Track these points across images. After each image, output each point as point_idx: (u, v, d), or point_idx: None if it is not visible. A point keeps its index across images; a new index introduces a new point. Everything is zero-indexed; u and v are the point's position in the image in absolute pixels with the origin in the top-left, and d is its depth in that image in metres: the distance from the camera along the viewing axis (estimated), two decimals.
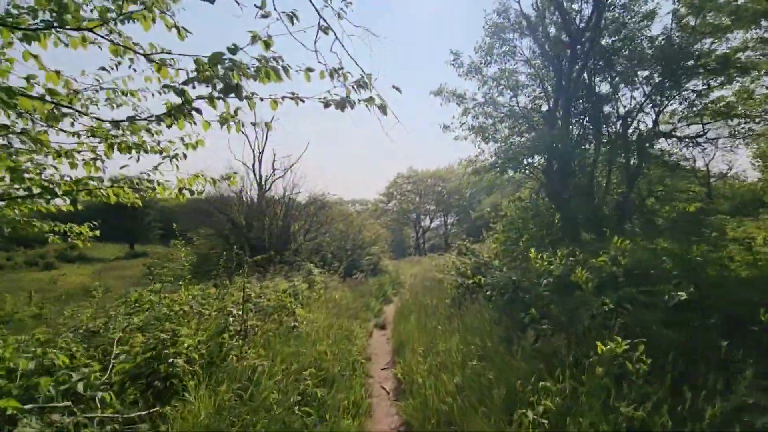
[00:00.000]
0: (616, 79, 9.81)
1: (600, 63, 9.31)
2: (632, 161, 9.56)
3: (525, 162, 10.25)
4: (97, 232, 4.60)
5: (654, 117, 9.72)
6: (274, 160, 17.91)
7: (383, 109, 2.91)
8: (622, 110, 9.98)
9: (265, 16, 2.69)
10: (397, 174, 56.42)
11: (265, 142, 18.02)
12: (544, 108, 10.78)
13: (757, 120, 9.76)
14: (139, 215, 58.16)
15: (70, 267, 35.80)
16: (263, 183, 18.10)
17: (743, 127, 10.17)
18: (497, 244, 10.58)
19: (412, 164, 66.80)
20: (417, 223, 55.94)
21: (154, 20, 3.02)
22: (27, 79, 2.87)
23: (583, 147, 9.75)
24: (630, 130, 9.77)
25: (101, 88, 3.49)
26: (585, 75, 9.49)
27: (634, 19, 9.59)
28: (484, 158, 11.45)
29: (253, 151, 18.27)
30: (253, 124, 3.35)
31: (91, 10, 2.98)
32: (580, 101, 9.83)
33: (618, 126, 9.92)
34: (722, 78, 9.03)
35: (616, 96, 10.01)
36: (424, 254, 43.16)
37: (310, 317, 7.44)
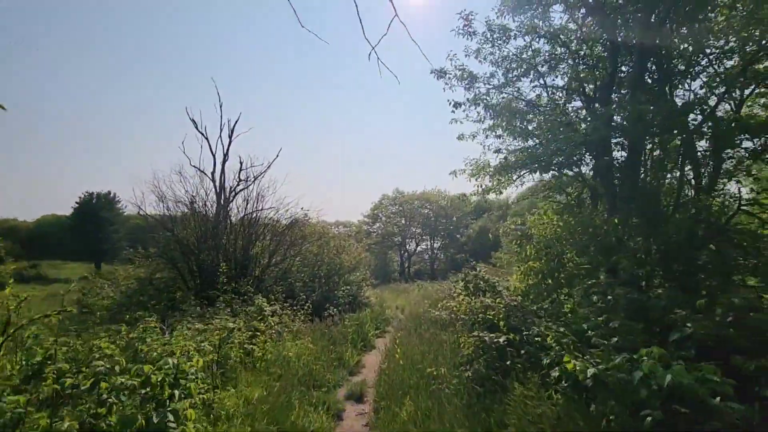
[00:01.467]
0: None
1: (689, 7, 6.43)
2: None
3: (572, 157, 7.26)
4: None
5: None
6: (240, 169, 14.79)
7: None
8: None
9: None
10: (383, 195, 53.64)
11: (228, 145, 14.94)
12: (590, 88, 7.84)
13: None
14: (106, 233, 53.54)
15: (23, 287, 31.19)
16: (225, 195, 14.89)
17: None
18: (525, 277, 7.45)
19: (398, 186, 64.25)
20: (402, 247, 52.85)
21: None
22: None
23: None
24: None
25: None
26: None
27: None
28: (500, 157, 8.42)
29: (214, 156, 15.14)
30: None
31: None
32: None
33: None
34: None
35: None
36: (410, 280, 39.94)
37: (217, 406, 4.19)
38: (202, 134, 15.28)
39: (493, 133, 8.63)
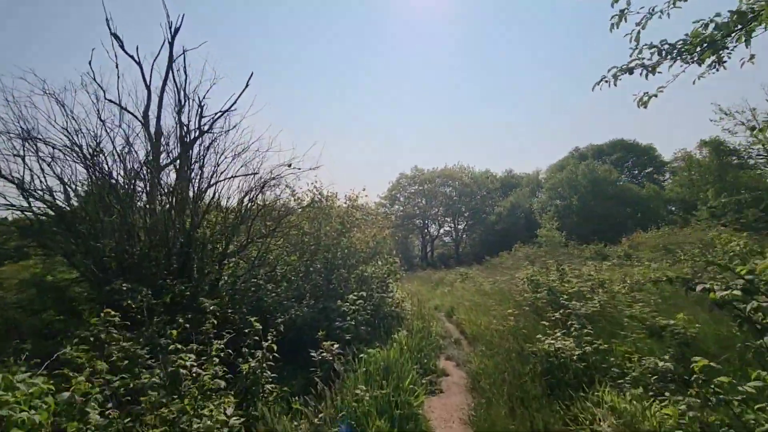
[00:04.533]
0: None
1: None
2: None
3: None
4: None
5: None
6: (201, 113, 9.04)
7: None
8: None
9: None
10: (400, 174, 47.50)
11: (170, 65, 9.15)
12: None
13: None
14: None
15: None
16: (167, 150, 9.19)
17: None
18: None
19: (416, 163, 57.85)
20: (423, 230, 46.88)
21: None
22: None
23: None
24: None
25: None
26: None
27: None
28: None
29: (149, 89, 9.45)
30: None
31: None
32: None
33: None
34: None
35: None
36: (434, 266, 34.01)
37: None
38: (132, 57, 9.56)
39: None
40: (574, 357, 5.01)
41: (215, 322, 4.49)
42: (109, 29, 9.29)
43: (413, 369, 5.35)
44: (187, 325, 4.74)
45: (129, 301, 5.63)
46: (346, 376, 4.60)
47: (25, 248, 9.11)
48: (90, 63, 8.75)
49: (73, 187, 7.28)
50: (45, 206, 7.11)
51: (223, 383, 3.69)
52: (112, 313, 4.13)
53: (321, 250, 7.71)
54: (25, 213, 7.46)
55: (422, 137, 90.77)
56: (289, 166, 8.90)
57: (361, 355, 5.22)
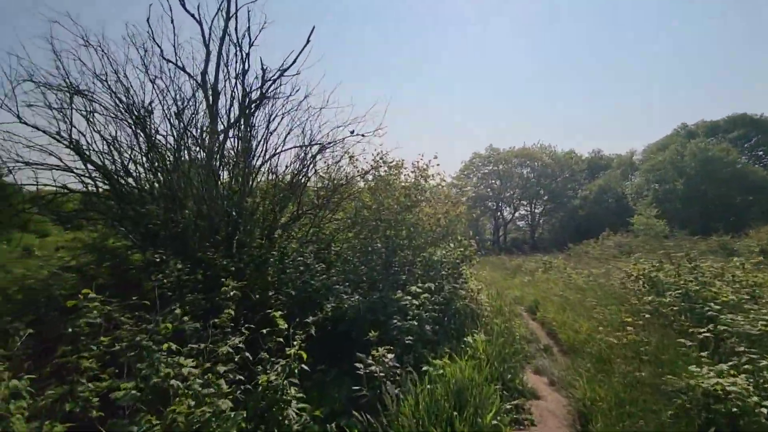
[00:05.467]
0: None
1: None
2: None
3: None
4: None
5: None
6: (263, 76, 8.16)
7: None
8: None
9: None
10: (474, 154, 44.66)
11: (229, 19, 8.32)
12: None
13: None
14: None
15: None
16: (224, 113, 8.43)
17: None
18: None
19: (491, 143, 54.10)
20: (496, 212, 43.88)
21: None
22: None
23: None
24: None
25: None
26: None
27: None
28: None
29: (207, 48, 8.70)
30: None
31: None
32: None
33: None
34: None
35: None
36: (510, 252, 31.40)
37: None
38: (192, 16, 8.84)
39: None
40: (754, 405, 3.19)
41: (232, 312, 3.39)
42: None
43: (496, 392, 3.87)
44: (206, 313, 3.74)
45: (158, 276, 4.84)
46: (402, 402, 3.28)
47: (82, 215, 8.99)
48: (148, 20, 8.11)
49: (120, 149, 6.70)
50: (94, 169, 6.63)
51: (227, 404, 2.56)
52: (90, 294, 3.17)
53: (382, 226, 6.41)
54: (82, 178, 7.08)
55: (493, 117, 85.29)
56: (352, 133, 7.67)
57: (425, 368, 3.85)
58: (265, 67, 8.32)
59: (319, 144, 7.48)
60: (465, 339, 5.16)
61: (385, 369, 3.41)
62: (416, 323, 4.32)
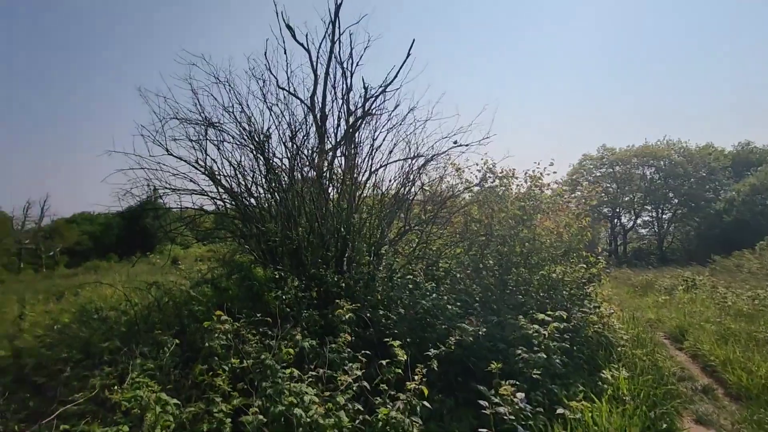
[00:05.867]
0: None
1: None
2: None
3: None
4: None
5: None
6: (365, 94, 8.45)
7: None
8: None
9: None
10: (583, 156, 40.65)
11: (335, 38, 8.71)
12: None
13: None
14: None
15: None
16: (331, 133, 8.79)
17: None
18: None
19: (604, 142, 48.62)
20: (613, 220, 39.12)
21: None
22: None
23: None
24: None
25: None
26: None
27: None
28: None
29: (315, 73, 9.18)
30: None
31: None
32: None
33: None
34: None
35: None
36: (633, 265, 27.52)
37: None
38: (302, 45, 9.46)
39: None
40: None
41: (349, 336, 3.30)
42: (283, 21, 9.29)
43: None
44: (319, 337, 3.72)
45: (278, 292, 5.08)
46: None
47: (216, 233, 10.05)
48: (265, 54, 8.83)
49: (244, 172, 7.34)
50: (224, 191, 7.37)
51: None
52: (223, 316, 3.33)
53: (494, 242, 5.92)
54: (215, 200, 7.92)
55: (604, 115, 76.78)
56: (455, 143, 7.36)
57: (560, 411, 3.31)
58: (366, 85, 8.52)
59: (424, 156, 7.34)
60: (600, 374, 4.41)
61: (514, 410, 2.98)
62: (545, 356, 3.77)
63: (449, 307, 4.99)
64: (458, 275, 5.95)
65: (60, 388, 3.75)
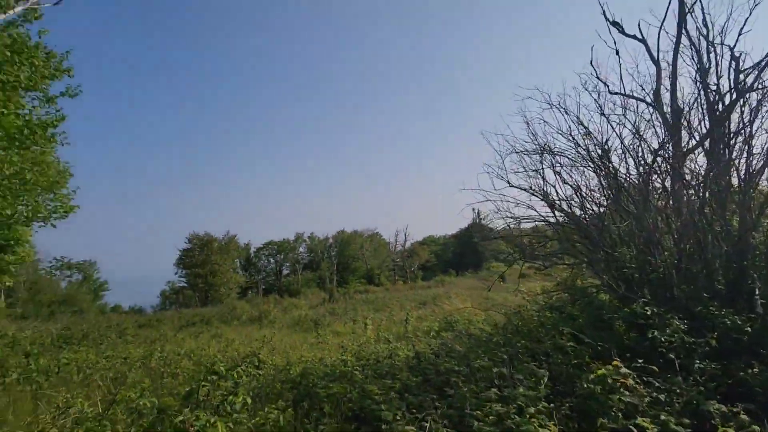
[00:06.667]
0: None
1: None
2: None
3: None
4: None
5: None
6: (736, 66, 6.48)
7: None
8: None
9: None
10: None
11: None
12: None
13: None
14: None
15: None
16: (690, 129, 6.96)
17: None
18: None
19: None
20: None
21: None
22: None
23: None
24: None
25: None
26: None
27: None
28: None
29: (656, 62, 7.77)
30: None
31: None
32: None
33: None
34: None
35: None
36: None
37: None
38: (634, 37, 8.16)
39: None
40: None
41: None
42: (606, 19, 8.41)
43: None
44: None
45: (654, 332, 4.21)
46: None
47: (555, 259, 9.76)
48: (591, 62, 8.19)
49: (586, 193, 6.82)
50: (563, 215, 7.11)
51: None
52: (622, 368, 2.91)
53: None
54: (553, 224, 7.83)
55: None
56: None
57: None
58: (736, 54, 6.21)
59: None
60: None
61: None
62: None
63: None
64: None
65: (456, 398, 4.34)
